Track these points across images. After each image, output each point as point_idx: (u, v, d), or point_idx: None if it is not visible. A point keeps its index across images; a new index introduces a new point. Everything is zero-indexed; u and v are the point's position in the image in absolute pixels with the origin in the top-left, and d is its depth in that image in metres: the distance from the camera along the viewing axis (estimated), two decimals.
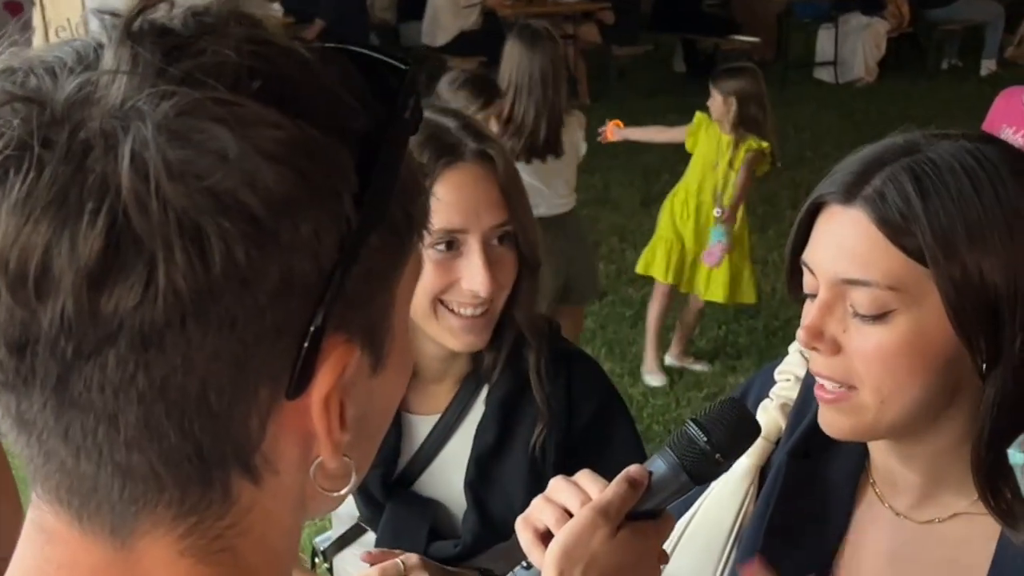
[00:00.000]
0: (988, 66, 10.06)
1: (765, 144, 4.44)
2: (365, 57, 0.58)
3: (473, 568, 1.50)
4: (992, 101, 3.77)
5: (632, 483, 1.01)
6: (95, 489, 0.54)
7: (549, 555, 0.99)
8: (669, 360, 4.85)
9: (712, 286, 4.61)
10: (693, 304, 4.78)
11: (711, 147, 4.55)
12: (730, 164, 4.47)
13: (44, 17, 4.93)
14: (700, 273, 4.63)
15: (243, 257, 0.50)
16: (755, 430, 1.06)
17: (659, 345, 4.81)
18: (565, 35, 5.68)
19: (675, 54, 10.45)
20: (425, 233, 0.62)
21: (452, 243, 1.42)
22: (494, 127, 3.62)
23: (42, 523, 0.57)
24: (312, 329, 0.54)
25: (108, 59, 0.52)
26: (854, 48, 10.02)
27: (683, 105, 9.04)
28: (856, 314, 1.02)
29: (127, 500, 0.55)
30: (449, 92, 3.57)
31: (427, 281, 1.42)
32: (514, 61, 3.94)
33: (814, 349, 1.05)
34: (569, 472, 1.07)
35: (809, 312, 1.05)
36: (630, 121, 5.01)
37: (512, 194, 1.45)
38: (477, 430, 1.55)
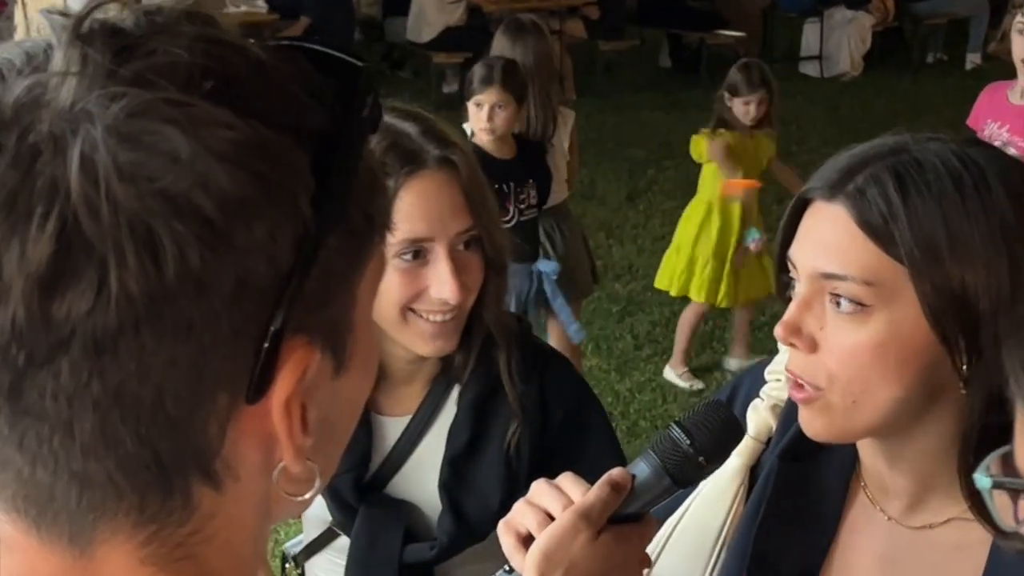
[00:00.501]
0: (973, 60, 10.08)
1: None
2: (322, 55, 0.57)
3: None
4: (977, 95, 3.78)
5: (615, 486, 1.01)
6: (52, 498, 0.54)
7: (530, 559, 0.99)
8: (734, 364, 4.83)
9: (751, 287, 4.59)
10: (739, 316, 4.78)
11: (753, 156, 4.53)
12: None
13: (26, 15, 4.91)
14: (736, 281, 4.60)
15: (197, 260, 0.49)
16: (739, 433, 1.05)
17: (690, 349, 4.80)
18: (551, 30, 5.68)
19: (661, 49, 10.45)
20: (387, 233, 0.61)
21: (419, 252, 1.42)
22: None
23: None
24: (270, 332, 0.53)
25: (58, 61, 0.51)
26: (839, 42, 10.04)
27: (669, 100, 9.12)
28: (835, 306, 1.01)
29: (85, 508, 0.54)
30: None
31: (395, 291, 1.42)
32: (503, 55, 3.93)
33: (791, 345, 1.05)
34: (545, 472, 1.06)
35: (788, 308, 1.05)
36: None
37: (476, 198, 1.44)
38: (450, 431, 1.54)
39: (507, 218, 3.62)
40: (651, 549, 1.11)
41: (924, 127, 1.09)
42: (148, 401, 0.51)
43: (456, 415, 1.55)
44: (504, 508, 1.48)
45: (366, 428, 1.54)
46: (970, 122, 3.68)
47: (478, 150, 3.59)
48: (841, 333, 1.01)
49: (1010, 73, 3.63)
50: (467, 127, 3.72)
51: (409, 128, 1.44)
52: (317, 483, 0.60)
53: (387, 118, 0.89)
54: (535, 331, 3.91)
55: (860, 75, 10.01)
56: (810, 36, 10.25)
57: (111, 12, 0.53)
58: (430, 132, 1.44)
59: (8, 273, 0.48)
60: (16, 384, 0.50)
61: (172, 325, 0.50)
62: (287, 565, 1.69)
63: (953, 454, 1.03)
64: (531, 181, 3.70)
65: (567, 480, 1.04)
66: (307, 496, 0.60)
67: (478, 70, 3.65)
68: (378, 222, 0.59)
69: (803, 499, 1.17)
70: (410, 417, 1.57)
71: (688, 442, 1.00)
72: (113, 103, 0.49)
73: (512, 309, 3.65)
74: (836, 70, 10.04)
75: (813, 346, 1.03)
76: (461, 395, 1.55)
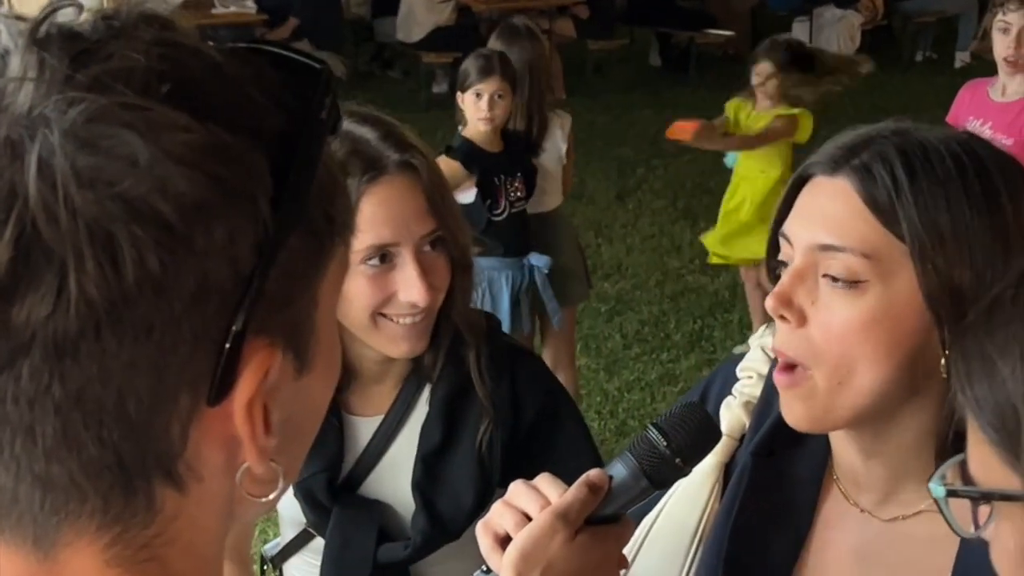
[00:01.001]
0: (962, 58, 10.08)
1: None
2: (281, 57, 0.57)
3: None
4: None
5: (592, 487, 1.01)
6: (15, 501, 0.54)
7: (507, 559, 0.99)
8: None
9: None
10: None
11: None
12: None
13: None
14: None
15: (156, 264, 0.50)
16: (716, 435, 1.05)
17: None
18: (541, 30, 5.68)
19: (651, 48, 10.46)
20: (349, 234, 0.61)
21: (385, 256, 1.43)
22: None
23: None
24: (232, 334, 0.53)
25: (14, 66, 0.51)
26: (828, 41, 10.03)
27: (659, 99, 9.11)
28: (829, 279, 1.01)
29: (48, 511, 0.54)
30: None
31: (364, 297, 1.42)
32: None
33: (781, 318, 1.04)
34: (518, 469, 1.06)
35: (780, 279, 1.05)
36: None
37: (438, 200, 1.45)
38: (422, 430, 1.54)
39: (499, 211, 3.63)
40: (628, 549, 1.11)
41: None
42: (110, 404, 0.52)
43: (428, 414, 1.55)
44: (477, 506, 1.50)
45: (338, 428, 1.55)
46: (950, 119, 3.67)
47: (470, 144, 3.60)
48: (833, 308, 1.01)
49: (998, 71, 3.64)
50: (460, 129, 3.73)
51: (367, 133, 1.44)
52: (281, 484, 0.60)
53: (345, 123, 0.88)
54: (523, 325, 3.87)
55: None
56: (799, 35, 10.23)
57: (69, 16, 0.53)
58: (389, 136, 1.44)
59: None
60: None
61: (132, 328, 0.50)
62: (265, 568, 1.69)
63: (928, 447, 1.04)
64: (519, 174, 3.72)
65: (545, 481, 1.04)
66: (271, 497, 0.61)
67: (475, 61, 3.65)
68: (339, 223, 0.59)
69: (777, 494, 1.17)
70: (382, 417, 1.57)
71: (665, 443, 1.00)
72: (71, 108, 0.49)
73: (506, 302, 3.67)
74: None
75: (802, 319, 1.03)
76: (432, 394, 1.55)
